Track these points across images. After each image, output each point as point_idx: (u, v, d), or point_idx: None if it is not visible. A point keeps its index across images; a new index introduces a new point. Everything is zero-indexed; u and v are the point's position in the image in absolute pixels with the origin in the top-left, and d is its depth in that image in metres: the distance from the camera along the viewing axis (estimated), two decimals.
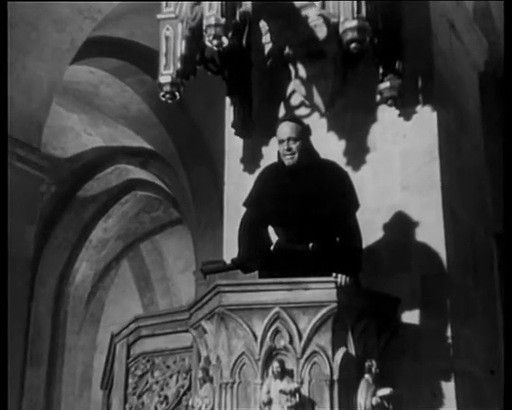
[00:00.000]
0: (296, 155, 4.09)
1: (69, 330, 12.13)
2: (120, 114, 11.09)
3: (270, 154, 4.61)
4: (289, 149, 4.08)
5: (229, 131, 5.12)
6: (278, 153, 4.21)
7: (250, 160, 5.00)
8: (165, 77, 4.44)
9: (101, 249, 12.95)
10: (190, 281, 11.34)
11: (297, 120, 4.23)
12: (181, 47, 4.44)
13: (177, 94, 4.48)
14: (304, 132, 4.15)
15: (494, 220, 5.36)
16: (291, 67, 4.94)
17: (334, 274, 3.71)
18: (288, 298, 3.66)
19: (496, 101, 5.75)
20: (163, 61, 4.46)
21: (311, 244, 3.97)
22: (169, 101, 4.51)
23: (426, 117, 4.58)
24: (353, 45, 3.98)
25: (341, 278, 3.70)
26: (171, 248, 15.08)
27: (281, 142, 4.12)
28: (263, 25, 5.19)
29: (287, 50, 4.92)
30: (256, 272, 3.82)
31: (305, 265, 3.82)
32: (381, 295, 3.93)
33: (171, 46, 4.45)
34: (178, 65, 4.43)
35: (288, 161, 4.10)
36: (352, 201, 4.10)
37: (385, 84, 4.50)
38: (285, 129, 4.12)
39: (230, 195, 5.01)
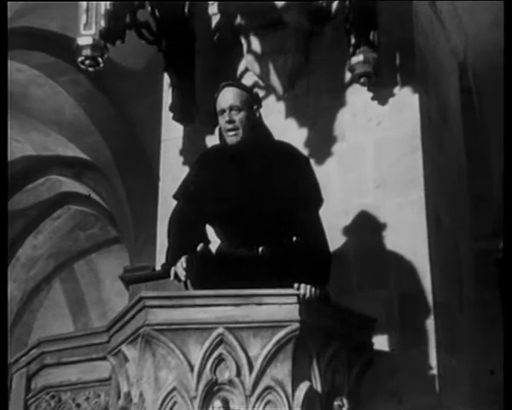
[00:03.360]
0: (240, 131, 3.25)
1: None
2: (52, 119, 10.24)
3: (215, 142, 3.72)
4: (231, 122, 3.24)
5: (167, 116, 4.28)
6: (219, 130, 3.36)
7: (191, 151, 4.13)
8: (86, 38, 3.57)
9: (29, 268, 12.14)
10: None
11: (242, 86, 3.40)
12: (106, 2, 3.55)
13: (100, 60, 3.60)
14: (251, 102, 3.33)
15: (474, 235, 4.58)
16: (243, 41, 4.13)
17: (296, 285, 2.85)
18: (234, 316, 2.82)
19: (476, 94, 5.02)
20: (83, 19, 3.59)
21: (260, 248, 3.11)
22: (89, 68, 3.64)
23: (405, 101, 3.81)
24: None
25: (306, 290, 2.84)
26: (108, 268, 14.13)
27: (221, 113, 3.28)
28: None
29: (238, 20, 4.10)
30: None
31: (255, 274, 2.95)
32: (354, 315, 3.09)
33: (94, 1, 3.57)
34: (102, 23, 3.55)
35: (230, 137, 3.27)
36: (314, 193, 3.28)
37: (357, 58, 3.70)
38: (227, 96, 3.27)
39: (166, 191, 4.10)
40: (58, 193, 11.37)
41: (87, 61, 3.59)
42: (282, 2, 3.93)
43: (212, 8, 4.37)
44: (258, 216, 3.15)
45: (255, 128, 3.29)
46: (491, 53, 4.67)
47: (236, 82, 3.51)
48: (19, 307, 12.19)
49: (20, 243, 11.74)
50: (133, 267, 3.20)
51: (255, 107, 3.32)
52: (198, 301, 2.84)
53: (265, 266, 3.03)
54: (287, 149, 3.35)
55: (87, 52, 3.56)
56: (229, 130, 3.25)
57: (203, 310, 2.82)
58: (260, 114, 3.34)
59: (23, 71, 9.37)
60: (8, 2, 7.72)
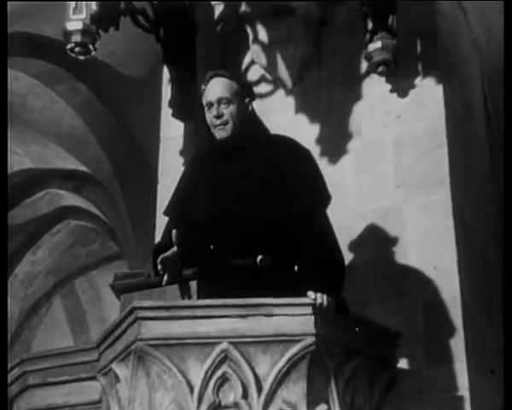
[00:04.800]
0: (230, 125, 2.90)
1: None
2: (51, 131, 9.99)
3: None
4: (220, 116, 2.90)
5: (166, 113, 3.94)
6: (207, 127, 3.00)
7: (192, 150, 3.77)
8: (75, 23, 3.23)
9: (28, 285, 11.83)
10: None
11: (233, 76, 3.03)
12: None
13: (90, 48, 3.26)
14: (243, 93, 2.97)
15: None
16: (248, 30, 3.81)
17: (310, 293, 2.49)
18: (240, 329, 2.46)
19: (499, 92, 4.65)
20: (72, 3, 3.25)
21: (258, 258, 2.72)
22: (79, 57, 3.29)
23: (427, 92, 3.47)
24: None
25: (322, 299, 2.47)
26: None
27: (209, 106, 2.94)
28: None
29: (243, 8, 3.78)
30: (194, 289, 2.56)
31: (254, 286, 2.59)
32: (376, 328, 2.72)
33: None
34: (94, 7, 3.22)
35: (218, 132, 2.91)
36: (320, 190, 2.89)
37: (375, 45, 3.35)
38: (215, 87, 2.93)
39: (165, 194, 3.75)
40: (57, 207, 11.05)
41: (77, 49, 3.26)
42: None
43: None
44: (255, 220, 2.76)
45: (247, 122, 2.94)
46: None
47: (225, 71, 3.13)
48: (17, 325, 11.90)
49: (19, 259, 11.48)
50: (124, 274, 2.81)
51: (247, 99, 2.97)
52: (198, 312, 2.48)
53: (265, 277, 2.65)
54: (285, 143, 2.98)
55: (77, 38, 3.23)
56: (218, 125, 2.91)
57: (204, 322, 2.46)
58: (253, 108, 2.99)
59: (20, 80, 9.11)
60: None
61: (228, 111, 2.90)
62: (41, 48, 8.47)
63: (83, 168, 10.18)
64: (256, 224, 2.75)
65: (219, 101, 2.91)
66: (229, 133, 2.89)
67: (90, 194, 10.74)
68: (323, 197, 2.88)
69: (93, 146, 9.65)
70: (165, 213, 3.02)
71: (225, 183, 2.86)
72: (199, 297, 2.58)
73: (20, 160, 10.60)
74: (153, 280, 2.66)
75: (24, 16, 7.58)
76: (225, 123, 2.89)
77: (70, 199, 11.01)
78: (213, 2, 4.05)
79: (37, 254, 11.51)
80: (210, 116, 2.93)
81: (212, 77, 2.97)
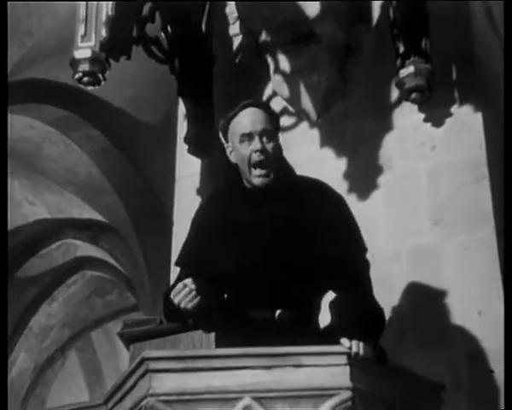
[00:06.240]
0: (271, 170, 2.51)
1: None
2: (67, 179, 9.97)
3: None
4: (264, 151, 2.48)
5: (181, 149, 3.70)
6: (229, 165, 2.62)
7: (209, 188, 3.51)
8: (83, 51, 2.99)
9: (43, 338, 11.70)
10: None
11: (268, 107, 2.65)
12: (108, 8, 3.00)
13: (100, 77, 3.02)
14: (278, 128, 2.62)
15: None
16: (269, 60, 3.58)
17: (344, 340, 2.18)
18: (265, 382, 2.15)
19: None
20: (81, 29, 3.02)
21: (277, 312, 2.43)
22: (88, 87, 3.04)
23: (465, 121, 3.20)
24: None
25: (358, 346, 2.16)
26: None
27: (246, 138, 2.51)
28: (230, 11, 3.82)
29: (263, 37, 3.55)
30: (212, 339, 2.26)
31: (278, 335, 2.32)
32: (420, 380, 2.39)
33: (94, 8, 3.01)
34: (103, 33, 2.98)
35: (258, 178, 2.50)
36: (357, 237, 2.57)
37: (407, 70, 3.09)
38: (254, 118, 2.51)
39: (181, 238, 3.47)
40: (73, 258, 11.09)
41: (85, 78, 3.01)
42: (314, 12, 3.37)
43: (234, 29, 3.82)
44: (284, 267, 2.46)
45: (281, 163, 2.58)
46: None
47: (262, 102, 2.84)
48: (31, 379, 11.74)
49: (34, 311, 11.44)
50: (134, 321, 2.52)
51: (279, 136, 2.60)
52: (217, 363, 2.17)
53: (286, 329, 2.38)
54: (317, 187, 2.62)
55: (85, 67, 2.98)
56: (260, 165, 2.49)
57: (224, 375, 2.15)
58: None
59: (35, 128, 9.10)
60: (17, 55, 7.34)
61: (270, 147, 2.51)
62: (56, 94, 8.41)
63: (99, 217, 10.14)
64: (282, 275, 2.45)
65: (262, 133, 2.50)
66: (270, 181, 2.50)
67: (106, 243, 10.69)
68: (361, 247, 2.57)
69: (109, 194, 9.58)
70: (177, 263, 2.64)
71: (253, 229, 2.51)
72: (217, 347, 2.29)
73: (35, 210, 10.60)
74: (165, 328, 2.37)
75: (38, 61, 7.49)
76: (267, 166, 2.49)
77: (86, 249, 10.98)
78: (232, 34, 3.84)
79: (52, 306, 11.44)
80: (246, 150, 2.50)
81: (246, 106, 2.56)
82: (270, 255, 2.48)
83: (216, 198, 2.72)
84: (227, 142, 2.59)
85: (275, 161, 2.51)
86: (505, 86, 2.96)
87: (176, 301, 2.31)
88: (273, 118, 2.58)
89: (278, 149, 2.55)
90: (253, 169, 2.50)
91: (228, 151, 2.59)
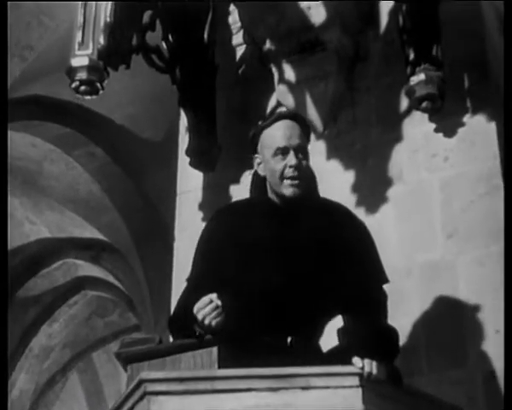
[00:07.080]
0: (304, 183, 2.41)
1: None
2: (68, 197, 9.92)
3: (243, 195, 2.94)
4: (298, 168, 2.38)
5: (183, 162, 3.58)
6: (256, 177, 2.52)
7: (211, 204, 3.38)
8: (81, 59, 2.87)
9: (44, 359, 11.58)
10: None
11: (304, 120, 2.54)
12: (106, 13, 2.88)
13: (98, 86, 2.90)
14: (309, 142, 2.52)
15: None
16: (273, 70, 3.47)
17: (356, 360, 2.04)
18: (271, 404, 2.03)
19: None
20: (78, 36, 2.91)
21: (289, 339, 2.32)
22: (86, 97, 2.92)
23: (478, 130, 3.08)
24: None
25: (371, 366, 2.02)
26: None
27: (280, 153, 2.40)
28: (233, 20, 3.71)
29: (267, 46, 3.44)
30: (214, 358, 2.12)
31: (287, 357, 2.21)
32: (435, 402, 2.26)
33: (91, 14, 2.90)
34: (101, 40, 2.87)
35: (290, 188, 2.39)
36: (380, 268, 2.47)
37: (417, 77, 2.97)
38: (290, 132, 2.40)
39: (182, 254, 3.38)
40: (74, 278, 10.94)
41: (82, 88, 2.89)
42: (320, 19, 3.26)
43: (237, 38, 3.71)
44: (302, 293, 2.36)
45: (311, 183, 2.49)
46: None
47: (298, 114, 2.64)
48: (32, 400, 11.59)
49: (34, 331, 11.31)
50: (132, 340, 2.37)
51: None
52: (220, 385, 2.04)
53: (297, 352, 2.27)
54: (343, 212, 2.52)
55: (82, 75, 2.87)
56: (294, 178, 2.39)
57: (227, 397, 2.02)
58: None
59: (37, 146, 9.03)
60: (18, 71, 7.25)
61: (304, 164, 2.41)
62: (57, 111, 8.35)
63: (100, 236, 10.06)
64: (305, 294, 2.35)
65: (298, 149, 2.39)
66: (301, 192, 2.40)
67: (108, 263, 10.63)
68: (382, 278, 2.46)
69: (110, 212, 9.51)
70: (190, 280, 2.48)
71: (276, 247, 2.40)
72: (220, 368, 2.15)
73: (36, 229, 10.53)
74: (165, 347, 2.23)
75: (39, 78, 7.42)
76: (301, 178, 2.39)
77: (87, 269, 10.91)
78: (235, 44, 3.73)
79: (53, 327, 11.32)
80: (280, 164, 2.39)
81: (281, 117, 2.46)
82: (292, 276, 2.36)
83: (238, 211, 2.57)
84: (255, 152, 2.48)
85: (307, 178, 2.42)
86: (505, 86, 2.84)
87: (199, 316, 2.19)
88: (307, 133, 2.49)
89: (309, 168, 2.45)
90: (284, 180, 2.40)
91: (255, 162, 2.49)
